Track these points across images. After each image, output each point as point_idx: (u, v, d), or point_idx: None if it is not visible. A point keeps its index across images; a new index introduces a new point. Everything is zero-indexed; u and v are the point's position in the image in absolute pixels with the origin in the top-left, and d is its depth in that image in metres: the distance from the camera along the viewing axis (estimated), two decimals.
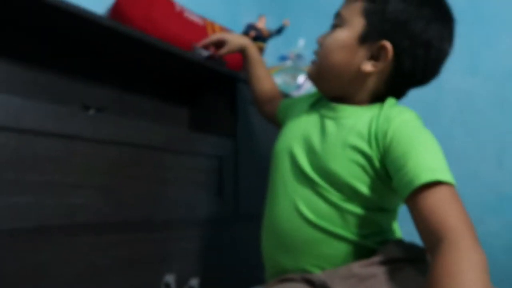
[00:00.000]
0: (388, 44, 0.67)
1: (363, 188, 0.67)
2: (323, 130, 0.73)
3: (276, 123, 1.00)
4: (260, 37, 1.32)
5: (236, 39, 1.08)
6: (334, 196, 0.69)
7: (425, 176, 0.56)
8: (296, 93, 1.42)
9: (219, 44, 1.09)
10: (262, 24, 1.34)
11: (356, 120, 0.70)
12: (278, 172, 0.78)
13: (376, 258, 0.63)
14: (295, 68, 1.47)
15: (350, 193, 0.68)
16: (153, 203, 0.90)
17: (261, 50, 1.33)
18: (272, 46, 1.85)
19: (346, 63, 0.71)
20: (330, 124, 0.73)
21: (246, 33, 1.31)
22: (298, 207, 0.71)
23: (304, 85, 1.43)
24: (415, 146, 0.61)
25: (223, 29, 1.26)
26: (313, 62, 0.79)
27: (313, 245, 0.69)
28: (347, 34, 0.71)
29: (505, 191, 1.37)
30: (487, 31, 1.43)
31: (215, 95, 1.26)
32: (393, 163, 0.62)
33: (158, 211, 0.91)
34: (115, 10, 1.08)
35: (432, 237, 0.53)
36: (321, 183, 0.70)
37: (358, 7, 0.70)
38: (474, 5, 1.45)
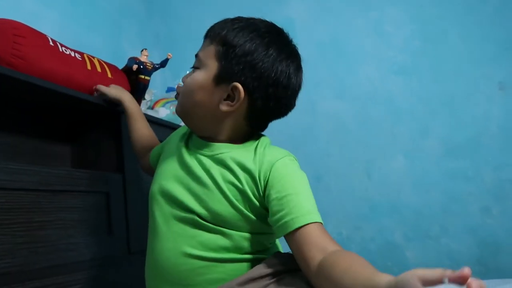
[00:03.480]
0: (239, 85, 0.73)
1: (246, 221, 0.73)
2: (200, 167, 0.76)
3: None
4: (144, 70, 1.33)
5: (114, 92, 1.10)
6: (219, 228, 0.72)
7: (304, 219, 0.66)
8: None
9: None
10: (145, 58, 1.35)
11: (234, 158, 0.74)
12: (157, 212, 0.78)
13: (255, 272, 0.67)
14: None
15: (235, 224, 0.73)
16: (30, 251, 0.83)
17: (145, 82, 1.34)
18: (160, 79, 1.87)
19: (205, 102, 0.77)
20: (206, 161, 0.76)
21: (129, 66, 1.31)
22: (181, 244, 0.73)
23: None
24: (293, 189, 0.70)
25: (104, 64, 1.24)
26: (177, 99, 0.84)
27: (199, 275, 0.72)
28: (204, 76, 0.76)
29: (375, 200, 1.56)
30: (348, 62, 1.65)
31: (99, 131, 1.22)
32: (273, 202, 0.69)
33: (36, 259, 0.84)
34: None
35: (316, 258, 0.62)
36: (206, 218, 0.73)
37: (212, 50, 0.76)
38: (335, 41, 1.67)
